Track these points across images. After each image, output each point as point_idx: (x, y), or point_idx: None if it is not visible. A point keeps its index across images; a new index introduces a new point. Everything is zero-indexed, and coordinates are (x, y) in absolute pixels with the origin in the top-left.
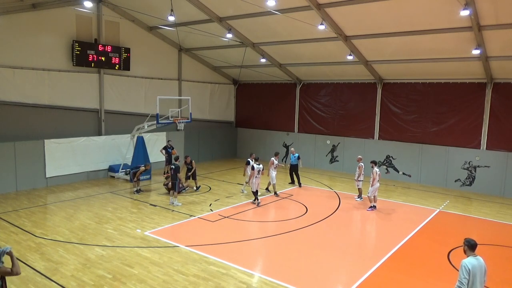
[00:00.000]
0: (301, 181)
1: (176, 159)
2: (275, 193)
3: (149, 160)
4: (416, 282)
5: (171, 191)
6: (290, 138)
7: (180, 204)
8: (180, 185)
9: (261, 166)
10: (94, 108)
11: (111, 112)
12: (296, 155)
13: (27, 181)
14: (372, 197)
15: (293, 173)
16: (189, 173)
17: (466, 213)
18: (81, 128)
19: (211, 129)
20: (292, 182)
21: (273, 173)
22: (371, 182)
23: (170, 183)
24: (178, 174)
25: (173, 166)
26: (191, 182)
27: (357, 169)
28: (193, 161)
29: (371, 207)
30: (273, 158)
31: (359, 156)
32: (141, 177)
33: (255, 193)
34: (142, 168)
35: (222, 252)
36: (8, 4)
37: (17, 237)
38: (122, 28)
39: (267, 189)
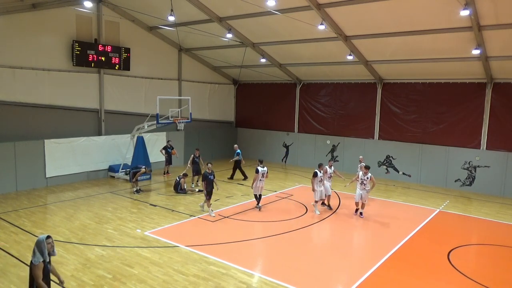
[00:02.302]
0: (246, 174)
1: (207, 164)
2: (329, 205)
3: (149, 161)
4: (416, 282)
5: (206, 201)
6: (290, 138)
7: (214, 214)
8: (183, 187)
9: (265, 169)
10: (94, 108)
11: (111, 112)
12: (238, 151)
13: (27, 181)
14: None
15: (237, 168)
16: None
17: (466, 213)
18: (81, 128)
19: (211, 129)
20: (232, 178)
21: (328, 184)
22: (369, 187)
23: (204, 192)
24: (210, 180)
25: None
26: (191, 180)
27: (359, 169)
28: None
29: (358, 210)
30: (326, 167)
31: (361, 157)
32: (141, 177)
33: (256, 197)
34: (143, 170)
35: (222, 252)
36: (8, 4)
37: (17, 237)
38: (122, 28)
39: (323, 203)
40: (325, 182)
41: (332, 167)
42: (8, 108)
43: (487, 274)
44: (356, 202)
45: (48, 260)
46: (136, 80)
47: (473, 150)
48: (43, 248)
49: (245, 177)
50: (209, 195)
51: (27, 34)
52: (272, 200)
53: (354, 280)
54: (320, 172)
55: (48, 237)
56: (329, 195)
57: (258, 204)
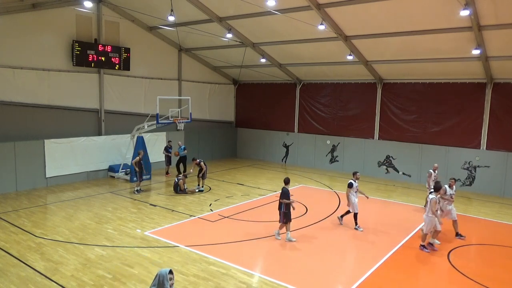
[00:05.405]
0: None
1: (287, 182)
2: (459, 234)
3: (149, 162)
4: (416, 282)
5: (283, 224)
6: (290, 138)
7: (295, 239)
8: (182, 188)
9: (356, 183)
10: (94, 108)
11: (111, 112)
12: (183, 147)
13: (27, 181)
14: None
15: (180, 163)
16: (200, 174)
17: (466, 213)
18: (81, 128)
19: (211, 129)
20: (179, 172)
21: (450, 207)
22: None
23: (281, 213)
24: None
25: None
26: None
27: (428, 176)
28: (201, 162)
29: (424, 246)
30: (446, 186)
31: (436, 164)
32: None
33: (355, 216)
34: (137, 158)
35: (222, 252)
36: (8, 4)
37: (17, 237)
38: (122, 28)
39: (458, 234)
40: (446, 205)
41: (454, 186)
42: (8, 108)
43: (487, 274)
44: (438, 231)
45: None
46: (136, 80)
47: (473, 150)
48: (166, 284)
49: (180, 172)
50: (287, 217)
51: (27, 34)
52: (272, 200)
53: (354, 280)
54: (438, 195)
55: (171, 272)
56: (455, 220)
57: (356, 224)
